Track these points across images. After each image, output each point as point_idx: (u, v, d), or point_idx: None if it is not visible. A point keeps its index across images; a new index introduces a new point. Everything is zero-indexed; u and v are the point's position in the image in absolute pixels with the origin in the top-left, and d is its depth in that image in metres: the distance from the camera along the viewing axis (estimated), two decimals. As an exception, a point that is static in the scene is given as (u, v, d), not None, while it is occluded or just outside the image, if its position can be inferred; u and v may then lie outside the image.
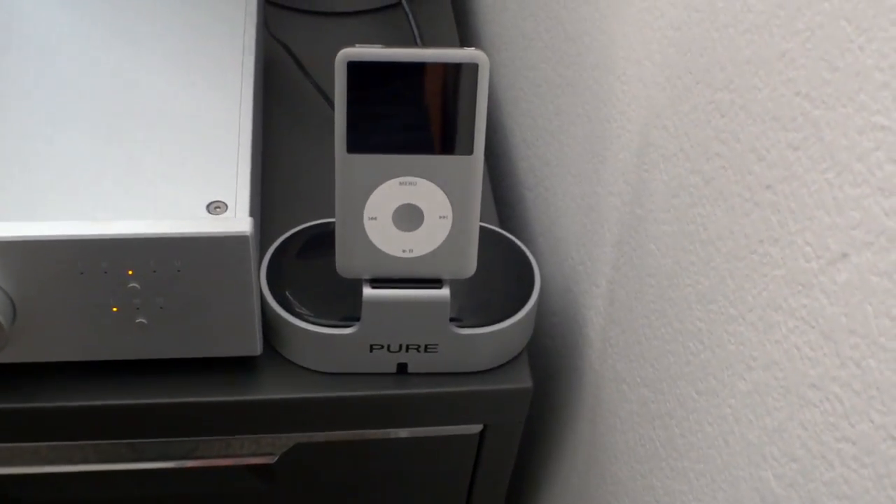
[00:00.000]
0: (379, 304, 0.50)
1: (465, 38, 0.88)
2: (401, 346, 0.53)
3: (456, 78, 0.44)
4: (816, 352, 0.35)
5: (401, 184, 0.47)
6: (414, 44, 0.72)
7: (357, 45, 0.44)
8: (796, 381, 0.36)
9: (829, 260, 0.34)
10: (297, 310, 0.53)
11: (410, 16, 0.71)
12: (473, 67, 0.44)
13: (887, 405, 0.31)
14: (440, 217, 0.48)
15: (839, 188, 0.33)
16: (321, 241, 0.56)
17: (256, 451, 0.58)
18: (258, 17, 0.61)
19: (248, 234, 0.47)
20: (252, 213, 0.48)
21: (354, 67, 0.44)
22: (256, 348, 0.52)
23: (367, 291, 0.50)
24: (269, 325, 0.54)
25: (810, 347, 0.35)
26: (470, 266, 0.50)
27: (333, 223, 0.51)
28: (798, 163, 0.35)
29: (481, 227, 0.56)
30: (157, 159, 0.50)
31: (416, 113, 0.45)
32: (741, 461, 0.41)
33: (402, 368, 0.54)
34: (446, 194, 0.48)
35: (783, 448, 0.37)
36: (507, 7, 0.73)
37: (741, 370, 0.40)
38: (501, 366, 0.56)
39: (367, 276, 0.50)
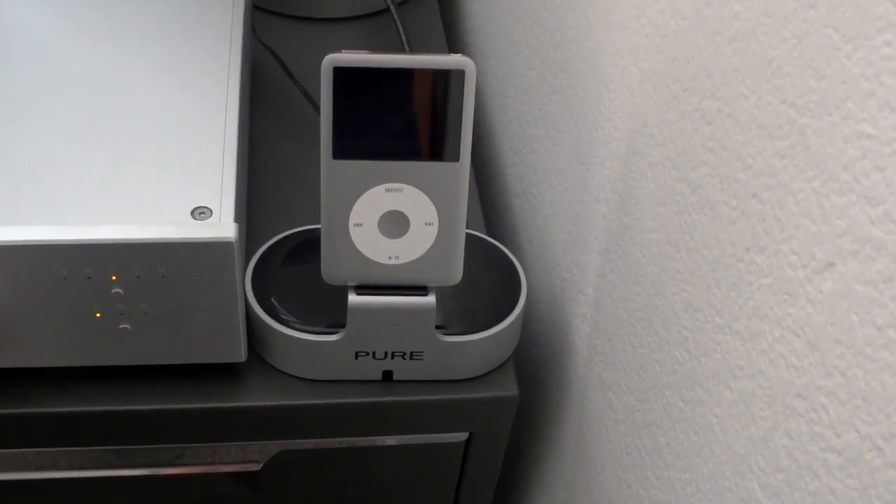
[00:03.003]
0: (364, 310, 0.50)
1: (454, 44, 0.88)
2: (386, 354, 0.53)
3: (443, 84, 0.44)
4: (802, 361, 0.35)
5: (387, 190, 0.47)
6: (402, 50, 0.71)
7: (343, 51, 0.44)
8: (782, 390, 0.36)
9: (816, 269, 0.34)
10: (283, 316, 0.52)
11: (398, 22, 0.71)
12: (460, 74, 0.44)
13: (873, 415, 0.31)
14: (426, 224, 0.48)
15: (825, 196, 0.33)
16: (307, 248, 0.56)
17: (241, 459, 0.58)
18: (245, 21, 0.61)
19: (232, 239, 0.47)
20: (237, 219, 0.48)
21: (340, 73, 0.44)
22: (241, 355, 0.52)
23: (353, 298, 0.50)
24: (254, 331, 0.54)
25: (796, 356, 0.35)
26: (456, 273, 0.50)
27: (319, 229, 0.51)
28: (784, 171, 0.35)
29: (468, 234, 0.56)
30: (141, 164, 0.50)
31: (402, 119, 0.45)
32: (727, 471, 0.41)
33: (387, 376, 0.54)
34: (432, 201, 0.47)
35: (769, 458, 0.37)
36: (496, 14, 0.73)
37: (727, 379, 0.40)
38: (487, 373, 0.56)
39: (352, 283, 0.50)
